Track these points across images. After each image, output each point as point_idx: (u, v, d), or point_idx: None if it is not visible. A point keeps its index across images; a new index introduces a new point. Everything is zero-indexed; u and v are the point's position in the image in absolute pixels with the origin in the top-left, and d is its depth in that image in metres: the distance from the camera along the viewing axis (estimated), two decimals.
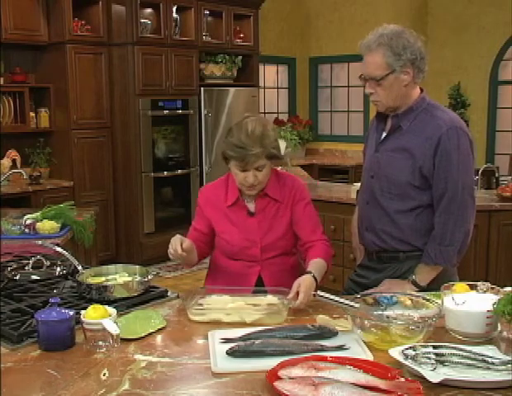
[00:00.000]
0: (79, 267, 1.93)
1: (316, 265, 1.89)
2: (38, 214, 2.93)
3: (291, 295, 1.71)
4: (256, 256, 2.00)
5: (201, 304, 1.74)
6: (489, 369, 1.30)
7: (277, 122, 7.15)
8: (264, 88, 7.36)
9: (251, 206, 2.01)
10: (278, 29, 7.34)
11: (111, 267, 1.94)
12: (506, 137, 7.45)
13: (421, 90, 2.00)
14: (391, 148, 1.99)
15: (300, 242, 2.03)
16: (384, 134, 2.03)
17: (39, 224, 2.82)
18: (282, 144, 5.50)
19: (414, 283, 1.92)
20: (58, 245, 2.19)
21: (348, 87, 7.65)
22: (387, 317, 1.53)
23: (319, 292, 1.63)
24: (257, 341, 1.43)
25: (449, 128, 1.97)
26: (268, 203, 2.00)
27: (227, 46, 6.02)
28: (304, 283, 1.75)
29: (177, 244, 1.79)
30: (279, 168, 2.39)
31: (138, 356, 1.43)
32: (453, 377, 1.26)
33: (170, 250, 1.81)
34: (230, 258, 2.02)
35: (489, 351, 1.38)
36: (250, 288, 1.93)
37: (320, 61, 7.78)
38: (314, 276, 1.81)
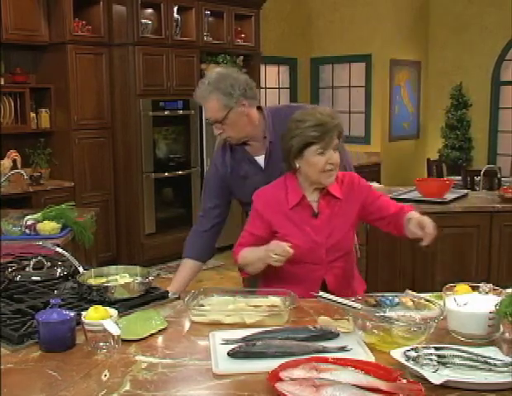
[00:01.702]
0: (80, 268, 1.92)
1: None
2: (38, 214, 2.92)
3: (420, 234, 1.81)
4: (321, 259, 1.95)
5: (202, 305, 1.73)
6: (491, 370, 1.30)
7: None
8: (265, 89, 7.35)
9: (314, 206, 1.96)
10: (279, 29, 7.34)
11: (112, 268, 1.93)
12: (508, 137, 7.45)
13: (257, 107, 2.20)
14: (280, 161, 2.08)
15: (386, 220, 2.01)
16: (261, 158, 2.20)
17: (39, 225, 2.82)
18: None
19: None
20: (58, 246, 2.19)
21: (350, 87, 7.65)
22: (389, 318, 1.52)
23: (320, 293, 1.63)
24: (258, 343, 1.43)
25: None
26: (330, 201, 1.95)
27: (228, 46, 6.02)
28: (422, 219, 1.82)
29: (285, 245, 1.77)
30: None
31: (139, 357, 1.43)
32: (455, 378, 1.26)
33: (275, 254, 1.78)
34: (293, 263, 1.90)
35: (491, 352, 1.38)
36: (258, 289, 1.90)
37: (321, 61, 7.78)
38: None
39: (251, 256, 1.92)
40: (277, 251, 1.78)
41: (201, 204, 2.32)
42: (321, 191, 1.95)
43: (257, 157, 2.22)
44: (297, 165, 1.92)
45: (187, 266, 2.24)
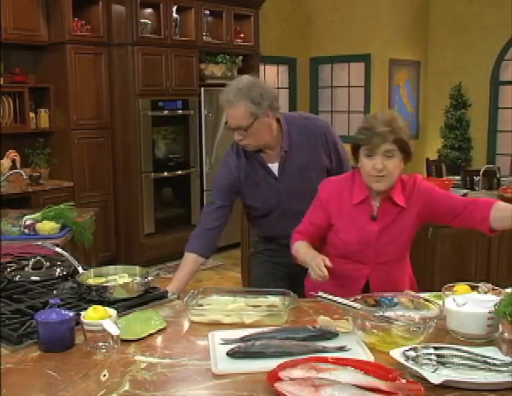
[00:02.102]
0: (79, 268, 1.92)
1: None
2: (38, 214, 2.92)
3: None
4: (369, 259, 1.95)
5: (201, 305, 1.73)
6: (490, 370, 1.30)
7: None
8: None
9: (375, 209, 1.95)
10: (279, 29, 7.34)
11: (111, 268, 1.93)
12: (507, 137, 7.45)
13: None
14: (293, 170, 2.23)
15: (455, 215, 1.95)
16: (275, 166, 2.24)
17: (38, 225, 2.82)
18: None
19: None
20: (58, 246, 2.18)
21: (349, 87, 7.65)
22: (388, 318, 1.52)
23: (320, 293, 1.63)
24: (257, 343, 1.43)
25: (325, 122, 2.39)
26: (390, 207, 1.94)
27: (227, 46, 6.02)
28: None
29: (322, 267, 1.76)
30: None
31: (138, 357, 1.43)
32: (455, 378, 1.26)
33: (317, 275, 1.78)
34: (341, 257, 1.95)
35: (490, 352, 1.38)
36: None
37: (320, 61, 7.78)
38: None
39: (300, 255, 1.93)
40: (314, 273, 1.79)
41: (209, 201, 2.32)
42: (383, 196, 1.93)
43: (271, 165, 2.24)
44: (357, 164, 1.96)
45: (190, 260, 2.22)
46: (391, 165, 1.86)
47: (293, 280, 2.37)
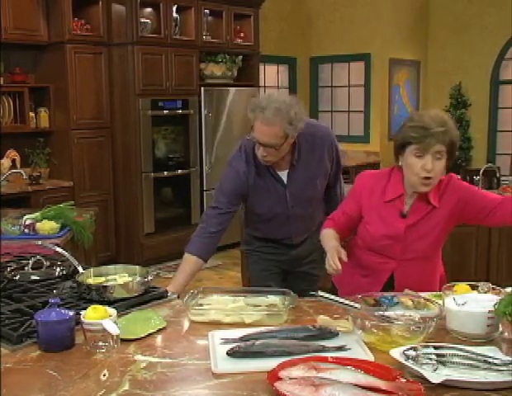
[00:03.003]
0: (79, 268, 1.92)
1: None
2: (38, 214, 2.92)
3: None
4: (395, 254, 1.96)
5: (201, 305, 1.73)
6: (490, 369, 1.30)
7: None
8: (265, 88, 7.34)
9: (407, 207, 1.95)
10: (279, 28, 7.34)
11: (111, 268, 1.93)
12: (507, 137, 7.45)
13: None
14: (301, 178, 2.26)
15: (488, 211, 1.93)
16: (285, 173, 2.26)
17: (38, 225, 2.82)
18: None
19: None
20: (57, 245, 2.18)
21: (349, 86, 7.65)
22: (388, 317, 1.52)
23: (319, 292, 1.63)
24: (257, 342, 1.43)
25: (330, 130, 2.42)
26: (423, 206, 1.93)
27: (227, 46, 6.02)
28: None
29: (336, 260, 1.78)
30: None
31: (138, 357, 1.43)
32: (455, 378, 1.26)
33: (329, 267, 1.80)
34: (368, 249, 1.99)
35: (490, 351, 1.38)
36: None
37: (320, 61, 7.78)
38: None
39: (324, 242, 1.97)
40: (327, 264, 1.81)
41: (213, 204, 2.30)
42: (418, 194, 1.93)
43: (280, 173, 2.26)
44: (400, 162, 1.93)
45: (191, 261, 2.22)
46: (439, 166, 1.84)
47: (289, 274, 2.40)
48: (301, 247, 2.39)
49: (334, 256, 1.79)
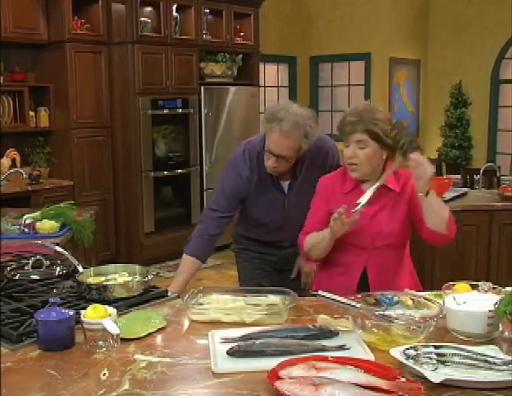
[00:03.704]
0: (79, 267, 1.92)
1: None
2: (37, 213, 2.92)
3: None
4: (365, 244, 1.98)
5: (201, 304, 1.73)
6: (490, 369, 1.29)
7: None
8: (265, 87, 7.35)
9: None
10: (279, 28, 7.33)
11: (111, 267, 1.93)
12: (507, 136, 7.45)
13: None
14: (302, 189, 2.26)
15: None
16: (286, 183, 2.28)
17: (38, 224, 2.81)
18: None
19: None
20: (57, 245, 2.18)
21: (349, 86, 7.65)
22: (388, 317, 1.52)
23: (320, 292, 1.63)
24: (257, 342, 1.43)
25: (333, 143, 2.39)
26: (383, 192, 1.97)
27: (227, 45, 6.01)
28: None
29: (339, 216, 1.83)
30: None
31: (138, 356, 1.43)
32: (455, 377, 1.26)
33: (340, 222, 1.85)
34: (341, 244, 1.99)
35: (490, 351, 1.38)
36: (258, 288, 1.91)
37: (320, 60, 7.78)
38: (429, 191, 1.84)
39: (317, 236, 2.00)
40: (335, 216, 1.86)
41: (214, 206, 2.31)
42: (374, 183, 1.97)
43: (282, 182, 2.27)
44: None
45: (190, 262, 2.25)
46: (361, 154, 1.92)
47: (280, 273, 2.41)
48: (290, 248, 2.38)
49: (335, 217, 1.85)
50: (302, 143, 2.09)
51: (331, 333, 1.52)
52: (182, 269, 2.23)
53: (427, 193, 1.85)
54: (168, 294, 1.88)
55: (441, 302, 1.58)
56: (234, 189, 2.27)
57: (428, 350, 1.35)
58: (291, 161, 2.15)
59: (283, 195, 2.28)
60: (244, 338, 1.48)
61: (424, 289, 1.91)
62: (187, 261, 2.24)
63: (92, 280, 1.85)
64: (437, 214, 1.89)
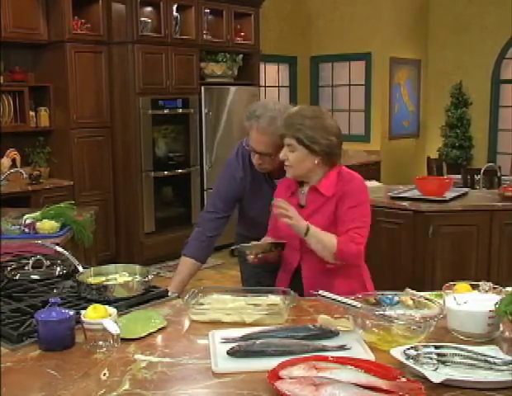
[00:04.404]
0: (79, 267, 1.92)
1: (323, 233, 1.92)
2: (38, 213, 2.92)
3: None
4: (296, 246, 2.01)
5: (201, 304, 1.73)
6: (491, 369, 1.29)
7: None
8: (265, 87, 7.35)
9: (303, 197, 2.04)
10: (279, 27, 7.33)
11: (111, 267, 1.93)
12: (508, 136, 7.45)
13: None
14: None
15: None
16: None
17: (38, 224, 2.81)
18: None
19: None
20: (58, 245, 2.18)
21: (349, 85, 7.65)
22: (389, 317, 1.52)
23: (320, 292, 1.63)
24: (258, 342, 1.43)
25: None
26: (317, 196, 2.01)
27: (228, 45, 6.01)
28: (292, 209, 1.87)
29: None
30: None
31: (138, 356, 1.43)
32: (455, 377, 1.25)
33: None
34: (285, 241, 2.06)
35: (491, 351, 1.38)
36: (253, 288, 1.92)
37: (320, 60, 7.78)
38: (308, 227, 1.89)
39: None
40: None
41: (210, 208, 2.33)
42: (309, 186, 2.02)
43: (275, 180, 2.27)
44: None
45: (189, 264, 2.26)
46: (291, 157, 1.97)
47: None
48: None
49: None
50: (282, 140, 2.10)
51: (331, 333, 1.52)
52: (181, 269, 2.25)
53: (305, 233, 1.90)
54: (169, 294, 1.88)
55: (441, 302, 1.58)
56: (229, 190, 2.30)
57: (428, 350, 1.35)
58: (275, 157, 2.12)
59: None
60: (244, 338, 1.48)
61: (425, 289, 1.90)
62: (186, 263, 2.26)
63: (92, 280, 1.85)
64: (322, 250, 1.93)
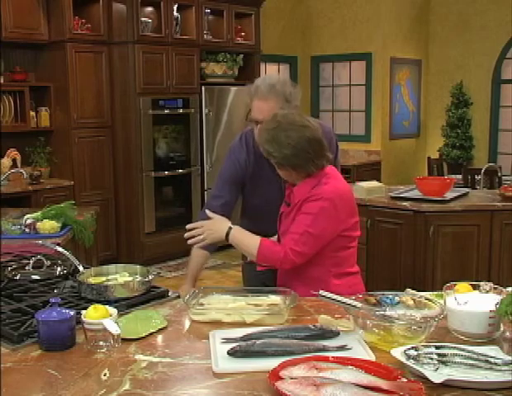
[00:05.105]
0: (80, 267, 1.92)
1: (247, 234, 1.97)
2: (38, 213, 2.92)
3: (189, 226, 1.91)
4: (278, 240, 2.05)
5: (202, 304, 1.73)
6: (491, 369, 1.29)
7: None
8: None
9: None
10: (279, 27, 7.33)
11: (112, 267, 1.93)
12: (509, 136, 7.44)
13: None
14: None
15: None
16: None
17: (39, 224, 2.82)
18: None
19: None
20: (58, 245, 2.18)
21: (350, 85, 7.64)
22: (389, 317, 1.52)
23: (320, 292, 1.63)
24: (258, 342, 1.43)
25: (331, 128, 2.48)
26: (292, 199, 2.01)
27: (228, 45, 6.01)
28: (209, 222, 1.90)
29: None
30: None
31: (139, 356, 1.43)
32: (456, 377, 1.25)
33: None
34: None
35: (491, 351, 1.38)
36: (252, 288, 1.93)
37: (321, 60, 7.77)
38: (230, 228, 1.94)
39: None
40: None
41: (216, 192, 2.37)
42: (290, 188, 2.04)
43: None
44: None
45: (200, 255, 2.30)
46: (281, 173, 2.02)
47: None
48: None
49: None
50: (284, 106, 2.14)
51: (332, 333, 1.52)
52: (194, 262, 2.30)
53: (226, 238, 1.95)
54: (169, 294, 1.88)
55: (442, 302, 1.58)
56: (233, 173, 2.32)
57: (429, 350, 1.35)
58: None
59: (280, 177, 2.23)
60: (244, 338, 1.48)
61: (426, 290, 1.90)
62: (196, 254, 2.29)
63: (92, 280, 1.85)
64: (244, 252, 2.01)
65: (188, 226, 1.93)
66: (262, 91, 2.14)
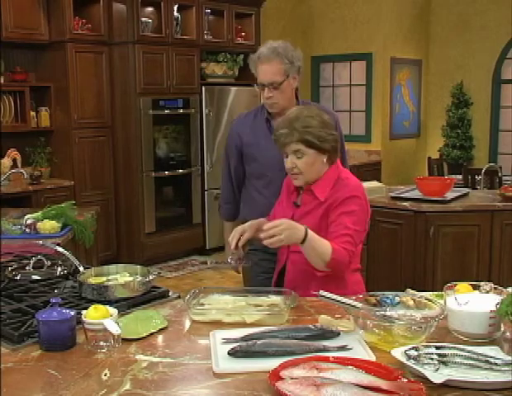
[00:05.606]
0: (80, 267, 1.92)
1: (319, 239, 1.83)
2: (39, 213, 2.92)
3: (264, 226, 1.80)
4: (283, 245, 1.97)
5: (202, 304, 1.73)
6: (492, 369, 1.29)
7: None
8: None
9: (299, 199, 2.04)
10: (280, 28, 7.33)
11: (112, 267, 1.93)
12: (509, 136, 7.44)
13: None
14: None
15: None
16: None
17: (39, 224, 2.82)
18: None
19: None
20: (59, 245, 2.18)
21: (350, 86, 7.64)
22: (390, 317, 1.52)
23: (320, 292, 1.63)
24: (258, 342, 1.43)
25: (337, 114, 2.53)
26: (310, 198, 1.98)
27: (228, 45, 6.01)
28: (283, 222, 1.79)
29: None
30: None
31: (139, 357, 1.43)
32: (456, 378, 1.25)
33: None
34: None
35: (492, 351, 1.37)
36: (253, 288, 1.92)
37: (321, 60, 7.77)
38: (306, 230, 1.78)
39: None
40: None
41: (225, 169, 2.52)
42: (305, 187, 2.01)
43: (273, 122, 2.34)
44: None
45: (230, 225, 2.51)
46: (300, 163, 1.93)
47: None
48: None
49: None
50: (286, 66, 2.24)
51: (332, 334, 1.52)
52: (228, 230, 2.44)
53: (302, 242, 1.79)
54: (169, 294, 1.88)
55: (442, 302, 1.58)
56: (231, 142, 2.46)
57: (429, 350, 1.35)
58: (282, 88, 2.25)
59: None
60: (245, 338, 1.48)
61: (426, 290, 1.90)
62: (228, 225, 2.51)
63: (93, 280, 1.85)
64: (315, 258, 1.84)
65: (266, 226, 1.79)
66: (265, 55, 2.24)
